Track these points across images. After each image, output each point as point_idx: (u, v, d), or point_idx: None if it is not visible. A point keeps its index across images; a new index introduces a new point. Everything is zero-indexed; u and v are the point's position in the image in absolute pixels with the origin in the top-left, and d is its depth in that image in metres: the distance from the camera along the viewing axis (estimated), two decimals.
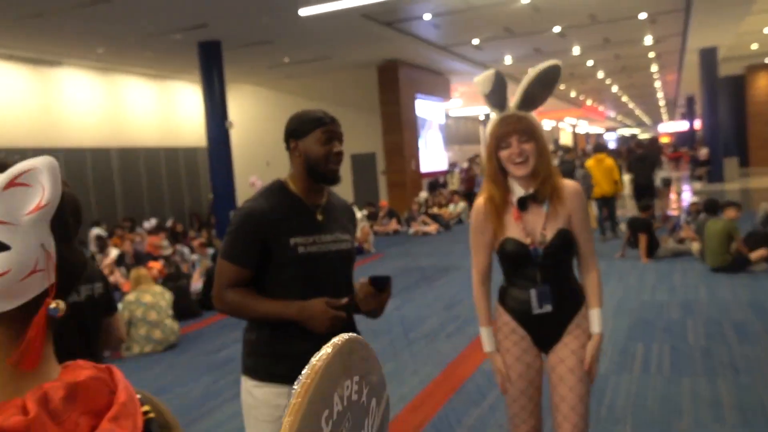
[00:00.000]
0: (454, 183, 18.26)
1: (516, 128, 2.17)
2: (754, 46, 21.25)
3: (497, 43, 16.72)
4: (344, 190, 18.04)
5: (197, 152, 17.57)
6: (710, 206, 8.36)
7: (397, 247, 12.33)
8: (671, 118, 52.74)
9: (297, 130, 2.05)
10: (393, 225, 14.77)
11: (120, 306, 6.47)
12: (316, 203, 2.10)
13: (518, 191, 2.25)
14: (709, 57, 19.09)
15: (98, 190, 14.78)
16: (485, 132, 2.33)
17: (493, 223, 2.27)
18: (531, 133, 2.17)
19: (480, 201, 2.33)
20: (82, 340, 2.32)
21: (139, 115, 16.26)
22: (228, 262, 2.02)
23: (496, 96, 2.21)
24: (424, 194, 16.56)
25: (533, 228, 2.24)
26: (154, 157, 16.39)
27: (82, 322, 2.32)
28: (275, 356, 2.05)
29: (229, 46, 13.64)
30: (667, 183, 13.06)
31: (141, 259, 10.12)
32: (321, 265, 2.06)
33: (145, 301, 6.33)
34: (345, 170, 18.70)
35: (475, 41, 16.40)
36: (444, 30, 14.97)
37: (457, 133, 32.50)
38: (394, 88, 17.75)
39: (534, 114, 2.24)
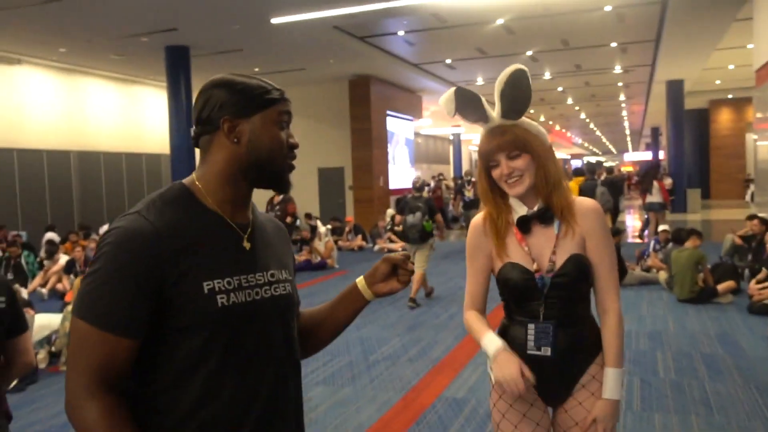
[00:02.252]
0: None
1: (501, 143, 1.82)
2: (718, 82, 21.72)
3: (470, 63, 16.72)
4: (311, 203, 17.74)
5: (161, 159, 17.09)
6: (678, 236, 8.32)
7: (361, 263, 12.05)
8: (636, 147, 53.76)
9: (238, 104, 1.31)
10: (358, 241, 14.51)
11: (61, 316, 6.07)
12: (242, 222, 1.36)
13: (520, 210, 1.89)
14: (675, 89, 19.42)
15: (54, 193, 14.23)
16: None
17: (492, 245, 1.91)
18: (522, 145, 1.82)
19: (478, 218, 1.97)
20: None
21: (101, 118, 15.75)
22: (95, 329, 1.18)
23: (468, 112, 1.86)
24: (391, 211, 16.34)
25: (540, 252, 1.86)
26: (115, 161, 15.88)
27: None
28: None
29: (197, 52, 13.33)
30: (663, 207, 13.02)
31: None
32: (253, 325, 1.30)
33: None
34: (312, 183, 18.46)
35: (448, 60, 16.37)
36: (417, 47, 14.89)
37: (426, 152, 32.55)
38: (365, 103, 17.60)
39: (524, 119, 1.88)
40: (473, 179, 14.29)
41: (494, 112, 1.87)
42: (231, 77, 1.35)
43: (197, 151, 1.41)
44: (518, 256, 1.86)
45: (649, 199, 12.81)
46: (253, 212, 1.41)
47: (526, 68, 1.84)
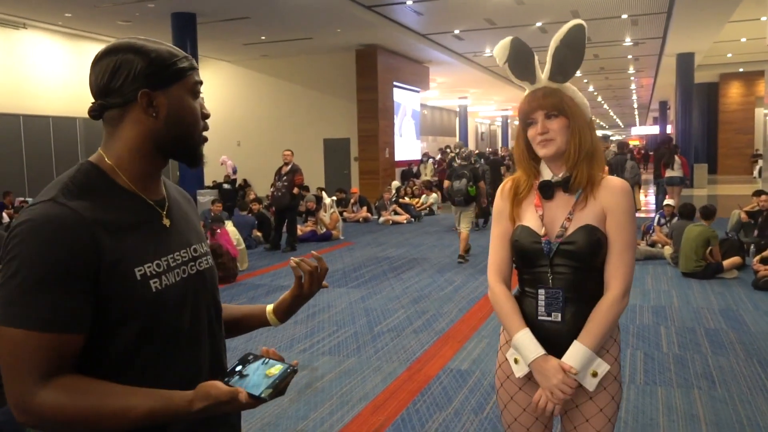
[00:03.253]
0: (427, 174, 18.09)
1: (542, 103, 1.81)
2: (729, 55, 21.46)
3: (478, 34, 16.53)
4: (316, 174, 17.74)
5: None
6: (686, 211, 8.30)
7: (366, 235, 12.10)
8: (643, 122, 53.40)
9: (155, 74, 1.19)
10: (363, 213, 14.53)
11: None
12: (157, 198, 1.29)
13: (546, 174, 1.87)
14: (686, 62, 19.19)
15: (61, 159, 14.26)
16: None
17: (510, 207, 1.90)
18: (561, 108, 1.80)
19: (502, 185, 1.97)
20: None
21: None
22: (34, 333, 1.07)
23: (518, 66, 1.87)
24: (396, 183, 16.34)
25: (553, 219, 1.84)
26: None
27: None
28: None
29: (204, 20, 13.22)
30: (682, 181, 13.05)
31: None
32: (186, 305, 1.26)
33: None
34: (317, 154, 18.42)
35: (456, 31, 16.19)
36: (425, 17, 14.71)
37: (432, 124, 32.39)
38: (371, 74, 17.47)
39: (570, 86, 1.87)
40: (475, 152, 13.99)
41: (542, 74, 1.86)
42: (139, 42, 1.21)
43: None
44: (531, 220, 1.86)
45: (670, 173, 12.80)
46: (164, 186, 1.34)
47: (585, 24, 1.83)
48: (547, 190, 1.85)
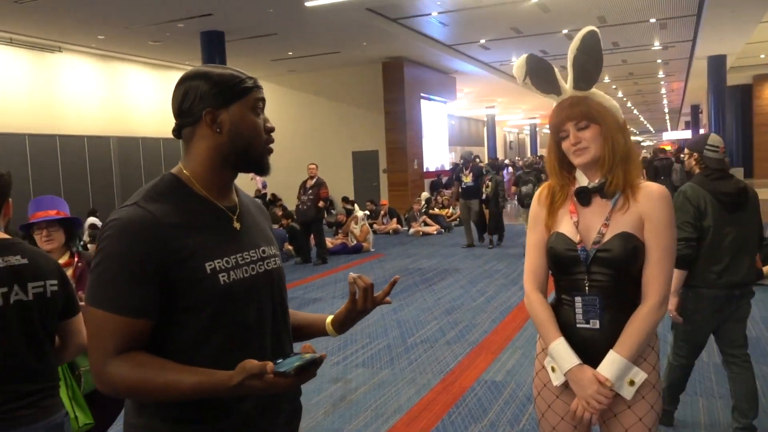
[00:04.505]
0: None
1: (570, 114, 1.81)
2: (763, 56, 21.04)
3: (504, 43, 16.49)
4: (345, 187, 17.82)
5: None
6: None
7: (396, 247, 12.10)
8: (674, 126, 52.56)
9: (217, 95, 1.36)
10: (393, 224, 14.54)
11: None
12: (229, 205, 1.44)
13: (582, 181, 1.87)
14: (717, 65, 18.87)
15: (96, 178, 14.55)
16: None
17: (545, 215, 1.89)
18: (591, 116, 1.79)
19: (538, 192, 1.97)
20: (29, 345, 1.97)
21: (139, 103, 16.01)
22: (111, 314, 1.24)
23: (539, 81, 1.89)
24: (425, 194, 16.32)
25: (589, 225, 1.82)
26: (153, 146, 16.14)
27: (29, 324, 1.97)
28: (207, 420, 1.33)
29: (232, 37, 13.42)
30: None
31: None
32: (252, 299, 1.38)
33: None
34: (346, 167, 18.51)
35: (482, 41, 16.17)
36: (451, 28, 14.73)
37: (460, 134, 32.32)
38: (398, 85, 17.52)
39: (597, 91, 1.87)
40: (481, 160, 13.87)
41: (567, 84, 1.87)
42: (206, 69, 1.39)
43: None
44: (566, 227, 1.85)
45: None
46: (237, 194, 1.49)
47: (597, 30, 1.84)
48: (583, 197, 1.85)
